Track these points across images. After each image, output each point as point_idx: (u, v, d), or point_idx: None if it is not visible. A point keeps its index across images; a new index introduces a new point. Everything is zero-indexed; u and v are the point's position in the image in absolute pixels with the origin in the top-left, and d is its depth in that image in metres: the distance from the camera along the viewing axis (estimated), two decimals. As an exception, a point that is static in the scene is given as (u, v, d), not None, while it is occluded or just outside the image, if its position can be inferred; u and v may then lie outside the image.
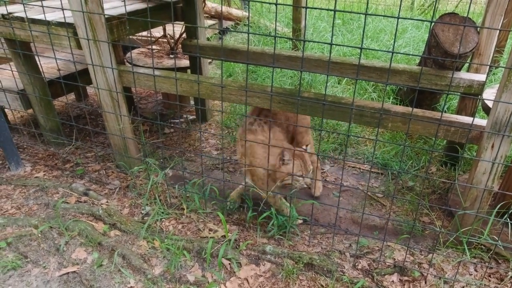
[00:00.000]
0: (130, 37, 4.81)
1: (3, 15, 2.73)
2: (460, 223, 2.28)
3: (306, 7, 1.73)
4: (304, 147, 2.46)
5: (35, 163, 3.26)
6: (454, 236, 2.32)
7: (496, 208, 2.24)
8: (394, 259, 2.31)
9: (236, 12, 6.37)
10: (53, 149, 3.42)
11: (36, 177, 3.08)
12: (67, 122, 3.64)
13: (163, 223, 2.59)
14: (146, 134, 3.70)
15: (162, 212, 2.65)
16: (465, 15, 2.45)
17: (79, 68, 3.10)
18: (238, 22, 6.35)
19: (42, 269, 2.26)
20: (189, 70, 3.78)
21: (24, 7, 2.65)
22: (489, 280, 2.20)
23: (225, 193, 2.81)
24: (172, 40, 4.00)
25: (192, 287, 2.17)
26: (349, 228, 2.65)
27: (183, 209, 2.68)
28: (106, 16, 2.51)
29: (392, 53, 1.72)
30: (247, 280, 2.20)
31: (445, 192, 2.93)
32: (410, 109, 2.17)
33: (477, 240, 2.26)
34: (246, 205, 2.62)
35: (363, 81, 4.08)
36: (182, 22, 3.62)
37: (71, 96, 4.53)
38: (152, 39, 4.40)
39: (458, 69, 2.87)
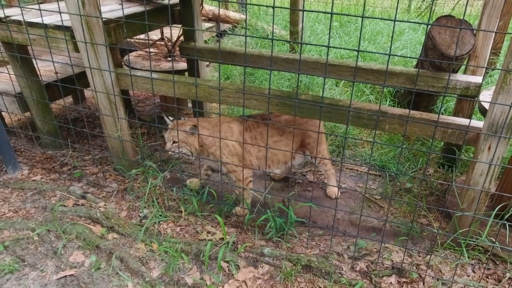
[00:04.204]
0: (128, 40, 4.81)
1: (0, 18, 2.72)
2: (457, 225, 2.29)
3: (304, 10, 1.74)
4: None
5: (33, 166, 3.25)
6: (452, 237, 2.32)
7: (495, 210, 2.25)
8: (392, 260, 2.31)
9: (233, 14, 6.38)
10: (51, 152, 3.41)
11: (34, 180, 3.07)
12: (65, 125, 3.63)
13: (161, 226, 2.59)
14: (144, 137, 3.70)
15: (160, 215, 2.64)
16: (462, 17, 2.47)
17: (76, 71, 3.10)
18: (236, 24, 6.35)
19: (40, 273, 2.25)
20: (186, 73, 3.78)
21: (21, 10, 2.65)
22: (487, 281, 2.21)
23: (223, 195, 2.80)
24: (170, 43, 4.00)
25: (190, 290, 2.17)
26: (347, 230, 2.65)
27: (181, 211, 2.68)
28: (103, 19, 2.51)
29: (389, 55, 1.73)
30: (245, 283, 2.19)
31: (442, 194, 2.94)
32: (407, 111, 2.18)
33: (475, 242, 2.27)
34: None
35: (361, 84, 4.09)
36: (180, 25, 3.63)
37: (69, 99, 4.52)
38: (149, 42, 4.40)
39: (455, 71, 2.88)
